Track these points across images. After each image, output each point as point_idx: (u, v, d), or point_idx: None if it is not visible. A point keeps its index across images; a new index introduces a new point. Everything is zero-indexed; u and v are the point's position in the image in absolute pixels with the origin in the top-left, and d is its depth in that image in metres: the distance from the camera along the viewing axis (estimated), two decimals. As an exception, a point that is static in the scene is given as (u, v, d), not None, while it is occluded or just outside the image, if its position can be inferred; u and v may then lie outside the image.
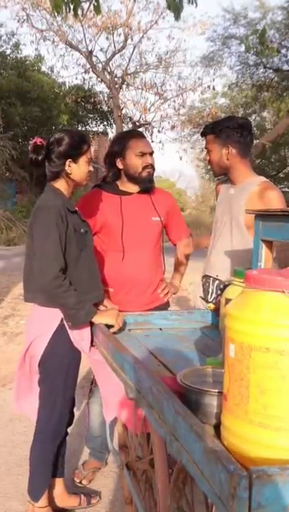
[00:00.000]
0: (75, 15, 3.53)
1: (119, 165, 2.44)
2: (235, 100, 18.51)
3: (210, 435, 1.05)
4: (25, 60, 18.40)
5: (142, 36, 15.30)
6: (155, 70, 16.27)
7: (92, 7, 3.88)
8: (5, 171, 14.19)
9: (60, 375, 2.11)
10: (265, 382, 0.93)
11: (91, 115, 20.45)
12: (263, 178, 2.35)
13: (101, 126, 20.78)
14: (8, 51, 18.28)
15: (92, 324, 2.04)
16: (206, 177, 24.27)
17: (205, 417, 1.14)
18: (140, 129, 13.84)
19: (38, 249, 2.00)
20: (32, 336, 2.10)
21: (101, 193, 2.47)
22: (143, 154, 2.41)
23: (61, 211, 2.01)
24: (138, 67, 16.19)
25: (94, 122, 20.82)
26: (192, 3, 3.73)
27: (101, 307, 2.17)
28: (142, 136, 2.53)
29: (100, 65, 15.59)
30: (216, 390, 1.13)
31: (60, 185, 2.13)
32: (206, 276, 2.48)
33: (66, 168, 2.10)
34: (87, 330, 2.06)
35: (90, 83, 17.97)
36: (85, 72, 16.65)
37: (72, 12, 3.43)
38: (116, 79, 15.66)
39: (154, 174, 2.51)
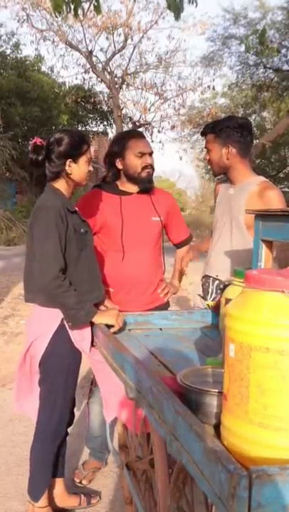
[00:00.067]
0: (76, 15, 3.53)
1: (119, 165, 2.44)
2: (235, 100, 18.51)
3: (210, 435, 1.05)
4: (25, 60, 18.40)
5: (142, 36, 15.34)
6: (155, 70, 16.30)
7: (92, 7, 3.87)
8: (5, 171, 14.21)
9: (60, 375, 2.11)
10: (265, 382, 0.93)
11: (91, 115, 20.47)
12: (262, 178, 2.35)
13: (101, 126, 20.83)
14: (8, 51, 18.31)
15: (92, 324, 2.04)
16: (206, 177, 24.26)
17: (205, 416, 1.14)
18: (140, 129, 13.85)
19: (38, 250, 2.00)
20: (32, 336, 2.10)
21: (101, 193, 2.47)
22: (142, 154, 2.40)
23: (61, 211, 2.01)
24: (138, 67, 16.22)
25: (94, 122, 20.85)
26: (192, 2, 3.73)
27: (102, 307, 2.17)
28: (141, 136, 2.52)
29: (100, 65, 15.61)
30: (216, 390, 1.13)
31: (60, 185, 2.13)
32: (205, 276, 2.48)
33: (66, 168, 2.10)
34: (88, 330, 2.06)
35: (90, 83, 18.03)
36: (85, 72, 16.69)
37: (72, 12, 3.43)
38: (116, 79, 15.67)
39: (154, 174, 2.51)
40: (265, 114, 19.11)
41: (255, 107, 17.81)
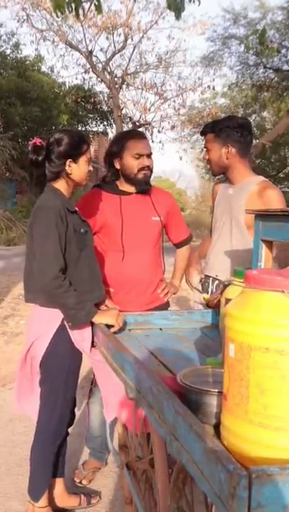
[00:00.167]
0: (77, 15, 3.53)
1: (117, 165, 2.44)
2: (235, 100, 18.50)
3: (210, 435, 1.05)
4: (25, 60, 18.41)
5: (142, 36, 15.33)
6: (155, 70, 16.30)
7: (92, 7, 3.87)
8: (5, 171, 14.21)
9: (60, 375, 2.11)
10: (264, 382, 0.93)
11: (91, 115, 20.47)
12: (261, 178, 2.35)
13: (101, 126, 20.82)
14: (8, 51, 18.32)
15: (92, 324, 2.04)
16: (206, 177, 24.24)
17: (205, 416, 1.14)
18: (140, 129, 13.84)
19: (38, 250, 2.00)
20: (33, 336, 2.10)
21: (101, 193, 2.47)
22: (140, 156, 2.38)
23: (61, 211, 2.01)
24: (138, 67, 16.21)
25: (94, 122, 20.85)
26: (194, 1, 3.73)
27: (102, 307, 2.17)
28: (141, 136, 2.50)
29: (100, 65, 15.60)
30: (216, 390, 1.13)
31: (60, 185, 2.13)
32: (205, 276, 2.48)
33: (66, 168, 2.10)
34: (88, 330, 2.06)
35: (90, 83, 18.02)
36: (85, 72, 16.68)
37: (73, 12, 3.43)
38: (116, 79, 15.67)
39: (154, 174, 2.49)
40: (265, 114, 19.11)
41: (255, 107, 17.81)
